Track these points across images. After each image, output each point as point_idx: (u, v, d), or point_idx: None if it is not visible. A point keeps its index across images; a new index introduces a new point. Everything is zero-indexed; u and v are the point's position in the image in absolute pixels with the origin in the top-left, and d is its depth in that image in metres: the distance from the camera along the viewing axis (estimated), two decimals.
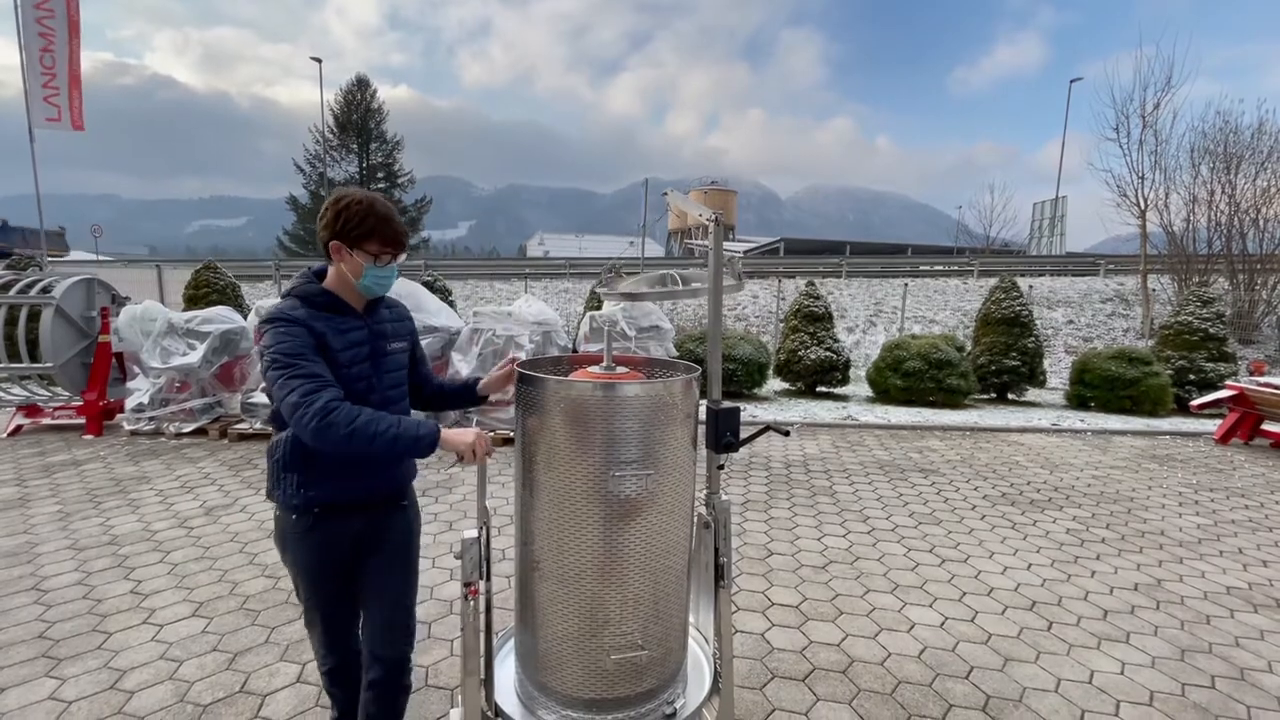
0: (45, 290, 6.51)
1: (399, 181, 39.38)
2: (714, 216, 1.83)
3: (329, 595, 1.76)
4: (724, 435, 1.83)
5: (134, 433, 6.31)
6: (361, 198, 1.59)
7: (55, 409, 6.57)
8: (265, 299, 6.73)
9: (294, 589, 1.81)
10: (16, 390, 6.85)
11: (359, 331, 1.69)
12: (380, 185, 38.77)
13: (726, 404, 1.85)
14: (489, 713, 1.72)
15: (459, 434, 1.56)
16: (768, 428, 1.91)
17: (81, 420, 6.41)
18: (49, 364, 6.34)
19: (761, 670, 2.62)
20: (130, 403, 6.35)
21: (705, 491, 1.91)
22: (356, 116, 37.83)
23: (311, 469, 1.64)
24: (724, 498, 1.88)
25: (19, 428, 6.42)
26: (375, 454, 1.47)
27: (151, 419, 6.28)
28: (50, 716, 2.28)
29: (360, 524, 1.73)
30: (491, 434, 5.93)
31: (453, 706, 2.24)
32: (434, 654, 2.66)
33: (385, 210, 1.62)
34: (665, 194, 2.14)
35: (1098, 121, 14.94)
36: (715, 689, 1.88)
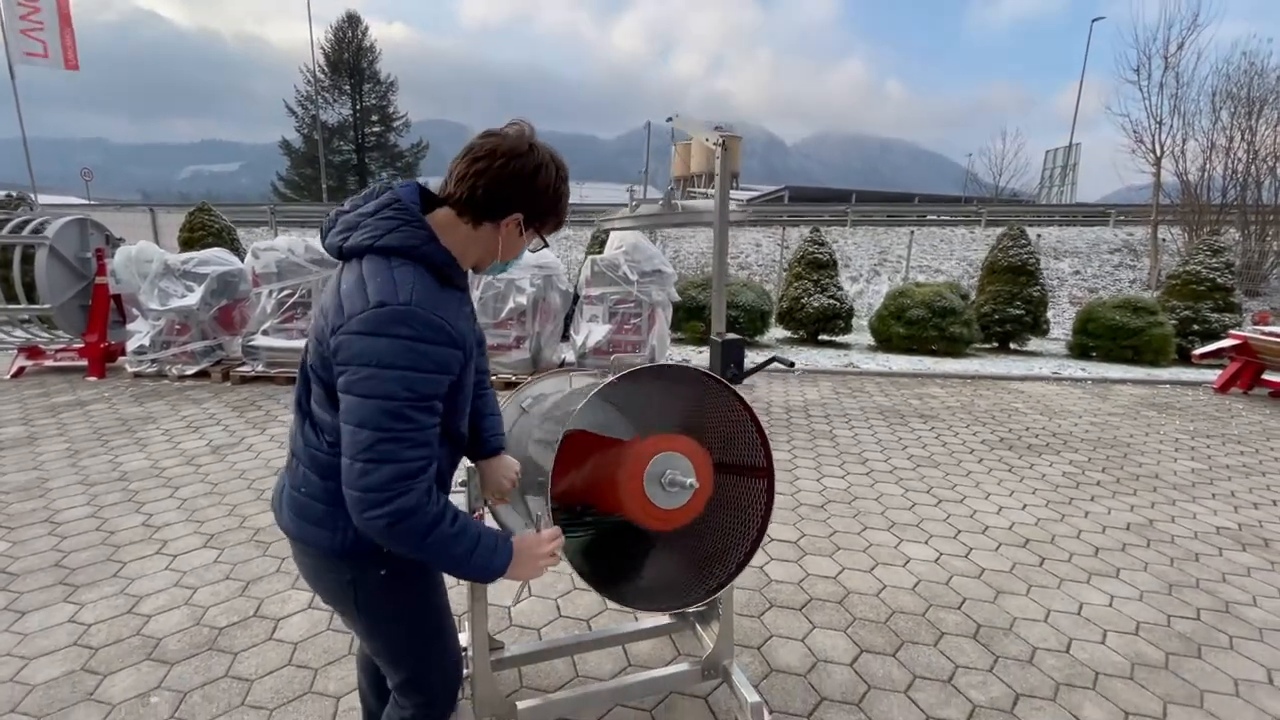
0: (37, 230, 6.40)
1: (394, 125, 38.35)
2: (721, 140, 1.76)
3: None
4: (728, 367, 1.82)
5: (137, 375, 6.33)
6: (565, 172, 1.19)
7: (57, 351, 6.57)
8: (263, 240, 6.62)
9: (390, 644, 1.31)
10: (18, 332, 6.83)
11: (471, 319, 1.28)
12: (375, 129, 37.76)
13: (731, 336, 1.84)
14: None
15: (530, 559, 1.20)
16: (773, 359, 1.90)
17: (84, 362, 6.42)
18: (47, 305, 6.31)
19: (760, 600, 2.69)
20: (131, 345, 6.35)
21: None
22: (348, 55, 36.48)
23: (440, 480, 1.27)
24: None
25: (22, 369, 6.44)
26: (429, 564, 1.16)
27: (154, 361, 6.29)
28: (71, 638, 2.36)
29: None
30: (494, 377, 5.93)
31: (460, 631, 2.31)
32: None
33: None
34: (671, 119, 2.06)
35: (1118, 63, 14.39)
36: (715, 614, 1.93)
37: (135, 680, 2.14)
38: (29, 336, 6.77)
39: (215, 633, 2.40)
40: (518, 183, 1.12)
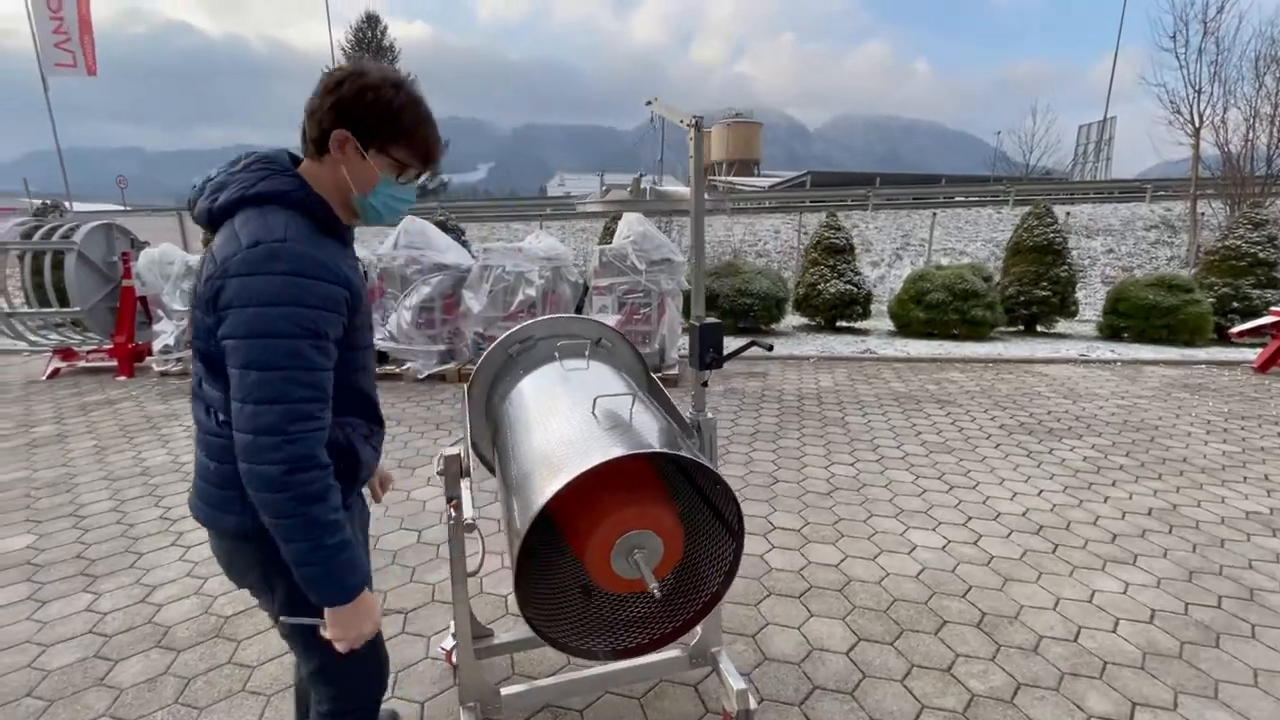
0: (66, 236, 6.63)
1: None
2: (695, 120, 1.73)
3: None
4: (707, 352, 1.79)
5: (163, 374, 6.53)
6: (398, 81, 1.10)
7: (89, 352, 6.82)
8: None
9: (296, 629, 1.21)
10: (52, 335, 7.11)
11: (359, 270, 1.19)
12: None
13: (709, 319, 1.81)
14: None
15: (355, 617, 1.10)
16: (752, 343, 1.86)
17: (114, 363, 6.65)
18: (77, 308, 6.54)
19: (758, 589, 2.66)
20: (157, 345, 6.55)
21: (691, 410, 1.89)
22: (368, 55, 36.92)
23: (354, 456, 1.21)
24: (709, 415, 1.86)
25: (57, 370, 6.70)
26: (281, 543, 1.03)
27: (179, 360, 6.48)
28: (87, 626, 2.45)
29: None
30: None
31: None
32: (421, 589, 2.77)
33: (427, 109, 1.15)
34: (649, 103, 2.01)
35: (1154, 30, 13.76)
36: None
37: (144, 666, 2.21)
38: (62, 339, 7.04)
39: (221, 621, 2.46)
40: (331, 95, 1.08)
